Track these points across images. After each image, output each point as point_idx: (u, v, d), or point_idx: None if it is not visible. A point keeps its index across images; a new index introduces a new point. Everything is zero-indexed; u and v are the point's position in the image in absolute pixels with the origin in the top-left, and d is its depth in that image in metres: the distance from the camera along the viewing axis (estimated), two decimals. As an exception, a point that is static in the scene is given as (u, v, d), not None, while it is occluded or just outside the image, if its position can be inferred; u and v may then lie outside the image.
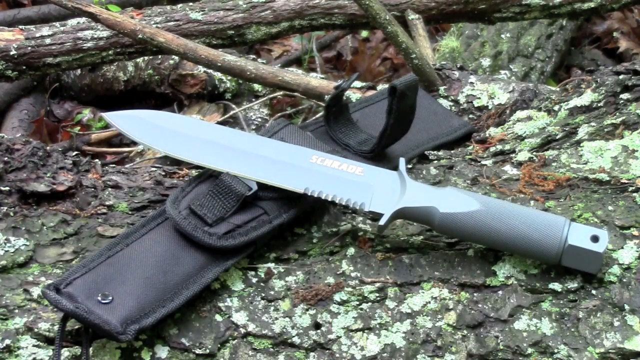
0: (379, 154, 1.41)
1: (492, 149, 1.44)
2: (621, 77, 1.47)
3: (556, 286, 1.16)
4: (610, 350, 1.10)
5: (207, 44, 2.13)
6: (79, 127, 2.83)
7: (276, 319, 1.15)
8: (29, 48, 2.13)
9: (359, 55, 3.37)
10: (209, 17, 2.21)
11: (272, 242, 1.24)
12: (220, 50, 1.98)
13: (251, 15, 2.22)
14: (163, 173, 1.37)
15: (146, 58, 2.77)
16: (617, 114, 1.42)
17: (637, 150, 1.33)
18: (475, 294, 1.17)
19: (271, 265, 1.21)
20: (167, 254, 1.15)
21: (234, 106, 2.65)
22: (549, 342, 1.12)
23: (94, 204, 1.29)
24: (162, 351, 1.11)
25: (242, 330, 1.14)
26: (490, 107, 1.69)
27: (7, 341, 1.09)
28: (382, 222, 1.17)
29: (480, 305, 1.16)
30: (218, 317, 1.15)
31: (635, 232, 1.19)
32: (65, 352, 1.09)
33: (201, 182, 1.24)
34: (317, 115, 2.35)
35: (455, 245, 1.23)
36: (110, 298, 1.08)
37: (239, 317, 1.15)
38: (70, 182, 1.29)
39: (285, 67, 2.75)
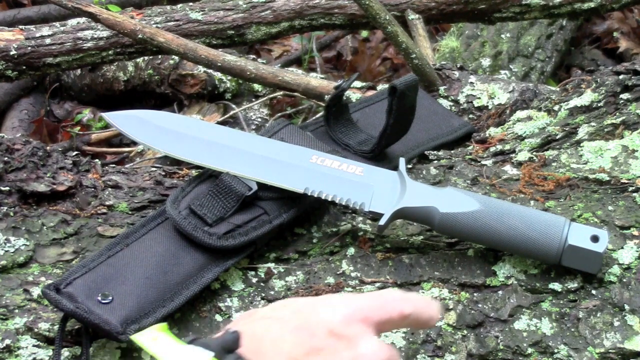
0: (379, 154, 1.40)
1: (492, 149, 1.44)
2: (621, 77, 1.47)
3: (556, 286, 1.16)
4: (610, 350, 1.10)
5: (207, 44, 2.13)
6: (79, 127, 2.83)
7: (276, 319, 1.15)
8: (29, 48, 2.13)
9: (359, 55, 3.37)
10: (209, 17, 2.21)
11: (272, 242, 1.24)
12: (220, 50, 1.98)
13: (251, 15, 2.22)
14: (163, 173, 1.37)
15: (146, 58, 2.77)
16: (617, 114, 1.42)
17: (637, 150, 1.33)
18: (475, 294, 1.17)
19: (271, 265, 1.21)
20: (167, 254, 1.15)
21: (234, 106, 2.65)
22: (549, 342, 1.12)
23: (94, 204, 1.29)
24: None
25: (242, 330, 1.14)
26: (490, 107, 1.69)
27: (7, 341, 1.09)
28: (382, 222, 1.17)
29: (480, 305, 1.16)
30: (218, 317, 1.15)
31: (635, 232, 1.19)
32: (65, 352, 1.09)
33: (201, 182, 1.24)
34: (317, 115, 2.34)
35: (455, 245, 1.23)
36: (110, 298, 1.08)
37: (239, 317, 1.15)
38: (70, 182, 1.29)
39: (285, 67, 2.75)
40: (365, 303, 0.87)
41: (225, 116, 2.58)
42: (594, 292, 1.15)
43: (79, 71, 2.88)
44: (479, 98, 1.71)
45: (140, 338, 0.85)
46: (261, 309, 0.94)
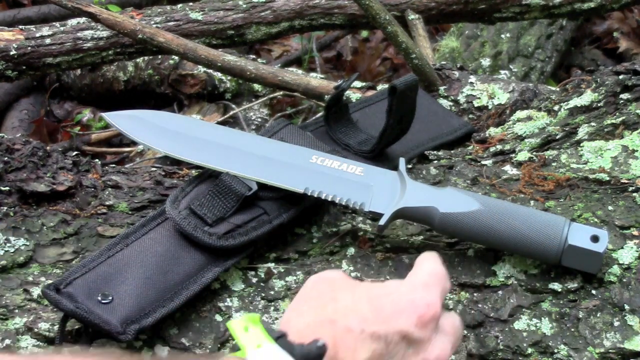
0: (379, 154, 1.40)
1: (492, 149, 1.44)
2: (621, 77, 1.47)
3: (556, 286, 1.16)
4: (610, 350, 1.10)
5: (207, 44, 2.12)
6: (79, 127, 2.83)
7: (276, 319, 1.15)
8: (29, 48, 2.13)
9: (359, 55, 3.37)
10: (209, 17, 2.21)
11: (272, 242, 1.24)
12: (220, 50, 1.98)
13: (251, 15, 2.22)
14: (163, 173, 1.37)
15: (146, 58, 2.77)
16: (617, 114, 1.42)
17: (637, 150, 1.33)
18: (475, 294, 1.17)
19: (271, 265, 1.21)
20: (167, 254, 1.15)
21: (234, 106, 2.65)
22: (549, 342, 1.12)
23: (94, 204, 1.29)
24: (162, 351, 1.11)
25: (242, 330, 1.14)
26: (490, 107, 1.69)
27: (7, 341, 1.09)
28: (382, 222, 1.17)
29: (480, 305, 1.16)
30: (218, 317, 1.15)
31: (635, 232, 1.19)
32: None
33: (201, 182, 1.24)
34: (317, 115, 2.35)
35: (455, 245, 1.23)
36: (110, 298, 1.08)
37: (239, 317, 1.15)
38: (70, 182, 1.29)
39: (285, 67, 2.75)
40: (434, 297, 0.92)
41: (225, 116, 2.58)
42: (594, 292, 1.15)
43: (79, 71, 2.88)
44: (479, 98, 1.71)
45: (233, 326, 0.88)
46: (339, 289, 0.93)
